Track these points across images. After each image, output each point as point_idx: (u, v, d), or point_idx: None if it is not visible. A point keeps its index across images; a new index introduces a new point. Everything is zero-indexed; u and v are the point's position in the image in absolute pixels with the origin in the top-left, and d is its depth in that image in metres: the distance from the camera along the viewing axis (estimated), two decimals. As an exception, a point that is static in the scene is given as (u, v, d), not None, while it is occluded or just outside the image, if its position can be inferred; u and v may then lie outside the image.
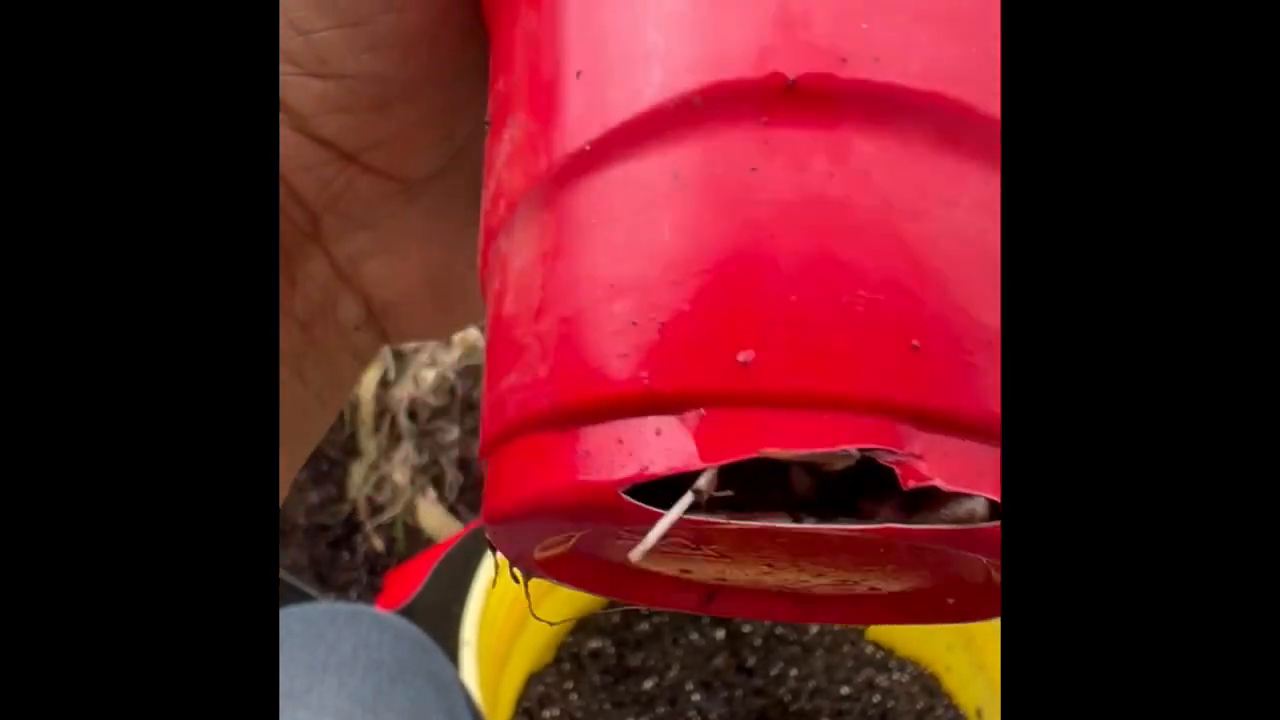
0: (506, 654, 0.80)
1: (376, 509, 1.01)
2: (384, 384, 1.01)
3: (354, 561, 1.01)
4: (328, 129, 0.20)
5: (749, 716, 0.81)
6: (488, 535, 0.18)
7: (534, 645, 0.85)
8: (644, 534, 0.14)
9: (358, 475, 1.02)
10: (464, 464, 1.00)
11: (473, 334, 1.05)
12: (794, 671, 0.83)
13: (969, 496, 0.14)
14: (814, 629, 0.85)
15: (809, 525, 0.15)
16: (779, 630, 0.84)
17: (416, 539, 1.01)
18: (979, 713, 0.78)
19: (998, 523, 0.15)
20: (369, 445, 1.02)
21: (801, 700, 0.81)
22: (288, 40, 0.19)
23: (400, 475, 1.00)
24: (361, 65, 0.19)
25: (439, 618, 0.85)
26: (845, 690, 0.81)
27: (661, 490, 0.15)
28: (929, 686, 0.81)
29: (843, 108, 0.15)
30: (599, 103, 0.16)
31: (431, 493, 1.01)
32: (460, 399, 1.02)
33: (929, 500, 0.15)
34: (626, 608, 0.70)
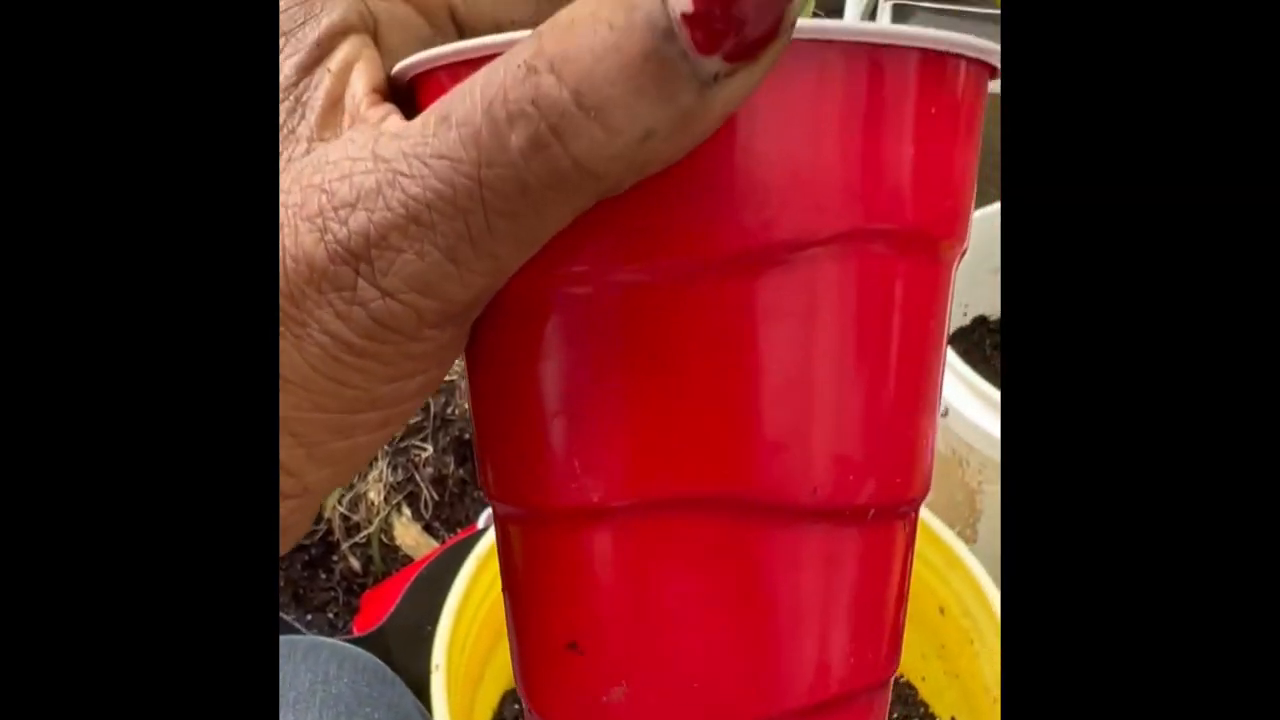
0: (480, 674, 0.80)
1: (352, 528, 1.01)
2: (357, 402, 1.01)
3: (331, 581, 1.01)
4: (299, 476, 0.22)
5: (726, 730, 0.80)
6: None
7: (509, 663, 0.85)
8: None
9: (332, 495, 1.01)
10: (438, 481, 1.00)
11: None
12: (770, 683, 0.83)
13: None
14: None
15: None
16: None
17: (393, 557, 1.00)
18: (954, 721, 0.79)
19: None
20: (343, 464, 1.02)
21: (778, 712, 0.81)
22: (287, 451, 0.21)
23: (375, 494, 1.00)
24: (348, 446, 0.21)
25: (413, 638, 0.85)
26: (822, 701, 0.81)
27: None
28: (904, 696, 0.81)
29: None
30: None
31: (407, 511, 1.00)
32: (434, 416, 1.02)
33: None
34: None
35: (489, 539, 0.79)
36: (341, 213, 0.18)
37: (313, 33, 0.21)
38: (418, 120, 0.18)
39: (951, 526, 0.80)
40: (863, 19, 1.60)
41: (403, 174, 0.18)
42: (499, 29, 0.23)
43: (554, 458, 0.21)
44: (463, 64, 0.20)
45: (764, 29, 0.16)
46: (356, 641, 0.86)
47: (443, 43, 0.22)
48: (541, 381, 0.21)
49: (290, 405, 0.20)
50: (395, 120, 0.20)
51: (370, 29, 0.22)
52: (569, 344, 0.21)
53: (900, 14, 1.55)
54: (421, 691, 0.68)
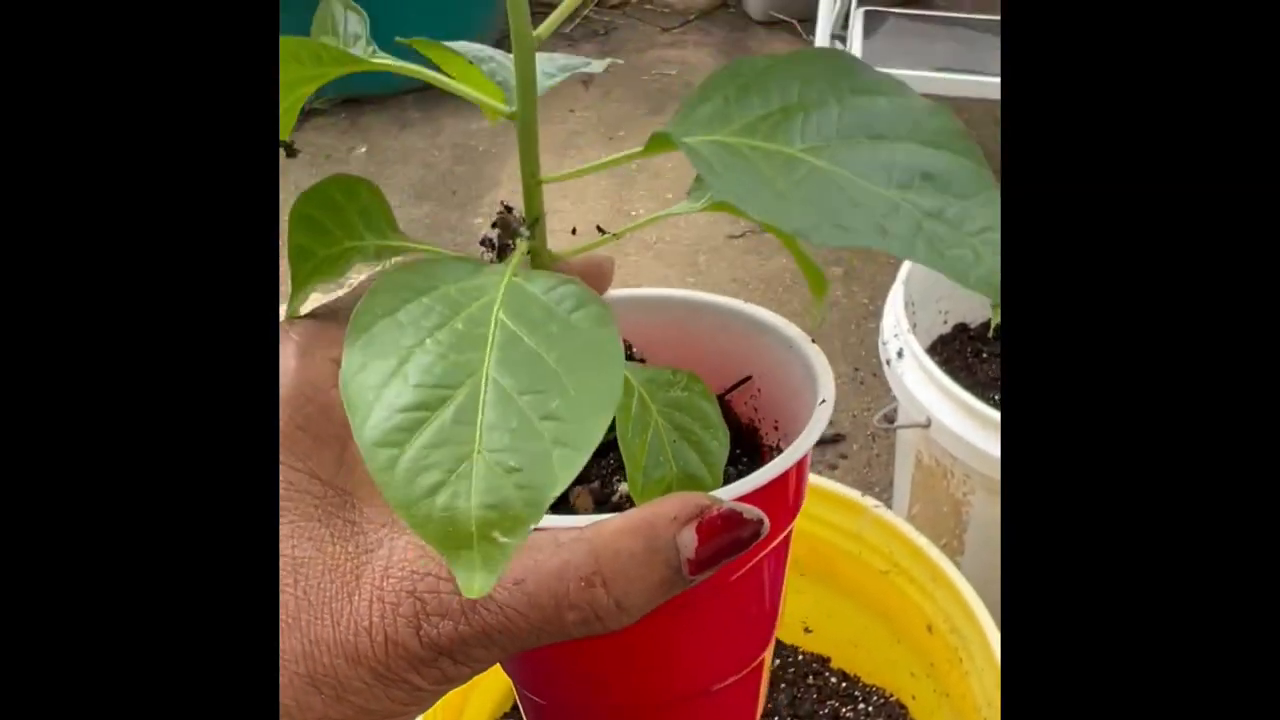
0: (462, 705, 0.78)
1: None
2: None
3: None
4: None
5: (714, 755, 0.79)
6: None
7: (492, 694, 0.83)
8: None
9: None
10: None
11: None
12: (758, 706, 0.81)
13: None
14: (777, 660, 0.84)
15: None
16: (741, 664, 0.83)
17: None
18: (946, 740, 0.77)
19: None
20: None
21: (767, 734, 0.79)
22: None
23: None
24: None
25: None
26: (811, 722, 0.79)
27: None
28: (894, 715, 0.80)
29: None
30: None
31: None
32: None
33: None
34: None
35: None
36: (434, 619, 0.27)
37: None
38: None
39: (938, 539, 0.78)
40: (834, 27, 1.60)
41: (483, 607, 0.27)
42: None
43: None
44: None
45: (734, 557, 0.28)
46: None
47: None
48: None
49: None
50: None
51: None
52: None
53: (872, 20, 1.54)
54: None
